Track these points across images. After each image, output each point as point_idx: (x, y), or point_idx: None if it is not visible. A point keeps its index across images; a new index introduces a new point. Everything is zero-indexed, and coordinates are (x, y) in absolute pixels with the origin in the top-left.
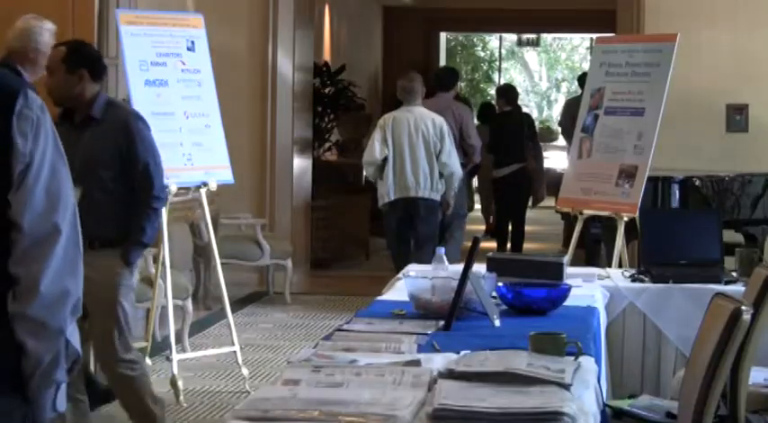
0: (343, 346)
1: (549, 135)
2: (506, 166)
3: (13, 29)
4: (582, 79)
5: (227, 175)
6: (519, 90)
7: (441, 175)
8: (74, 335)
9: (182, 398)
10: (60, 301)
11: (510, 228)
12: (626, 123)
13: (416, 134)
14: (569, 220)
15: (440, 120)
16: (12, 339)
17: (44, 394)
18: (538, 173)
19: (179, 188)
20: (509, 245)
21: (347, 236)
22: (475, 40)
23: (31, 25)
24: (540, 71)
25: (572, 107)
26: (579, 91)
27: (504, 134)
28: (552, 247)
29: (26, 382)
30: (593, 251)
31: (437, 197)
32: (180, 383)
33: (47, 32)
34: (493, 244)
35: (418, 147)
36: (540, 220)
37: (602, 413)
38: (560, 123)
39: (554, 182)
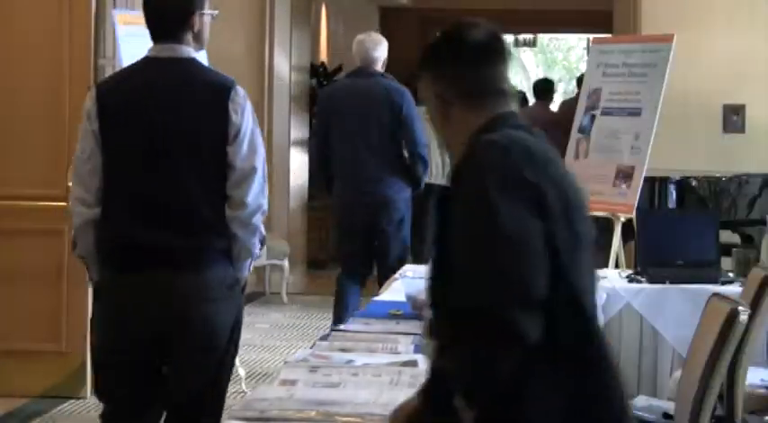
0: (339, 347)
1: None
2: None
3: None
4: (581, 80)
5: None
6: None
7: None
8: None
9: None
10: (257, 209)
11: None
12: (623, 124)
13: None
14: None
15: None
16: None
17: (245, 262)
18: None
19: None
20: None
21: None
22: None
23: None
24: (537, 72)
25: (568, 108)
26: (576, 91)
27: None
28: None
29: (235, 256)
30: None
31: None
32: None
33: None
34: None
35: None
36: None
37: None
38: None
39: None
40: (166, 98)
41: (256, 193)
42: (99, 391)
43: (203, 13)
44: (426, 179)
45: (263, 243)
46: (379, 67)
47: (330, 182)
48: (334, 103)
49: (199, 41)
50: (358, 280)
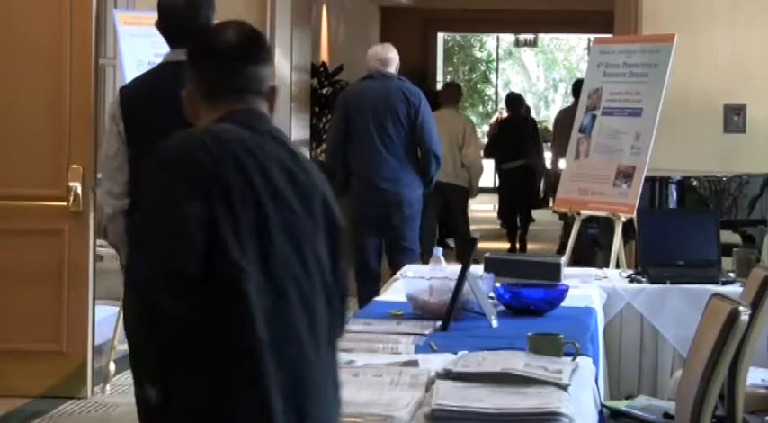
0: (340, 347)
1: (547, 135)
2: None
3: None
4: (576, 87)
5: None
6: (517, 90)
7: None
8: None
9: None
10: None
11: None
12: (623, 124)
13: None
14: (567, 222)
15: None
16: None
17: None
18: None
19: None
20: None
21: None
22: (472, 40)
23: None
24: (538, 72)
25: (563, 118)
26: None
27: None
28: (552, 247)
29: None
30: (591, 252)
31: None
32: None
33: None
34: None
35: None
36: (540, 220)
37: (600, 414)
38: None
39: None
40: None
41: None
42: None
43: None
44: (438, 179)
45: None
46: (393, 69)
47: (347, 178)
48: (352, 104)
49: None
50: (373, 274)
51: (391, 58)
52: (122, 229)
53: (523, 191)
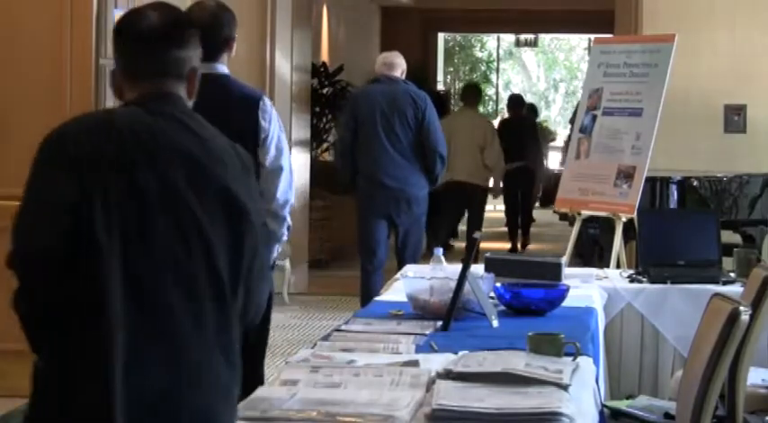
0: (341, 347)
1: (549, 135)
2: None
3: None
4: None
5: None
6: (517, 90)
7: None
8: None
9: None
10: (285, 203)
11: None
12: (624, 124)
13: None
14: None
15: None
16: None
17: (273, 246)
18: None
19: None
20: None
21: (345, 236)
22: (473, 40)
23: None
24: (538, 72)
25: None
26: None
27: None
28: (554, 248)
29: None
30: (591, 252)
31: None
32: None
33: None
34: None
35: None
36: (541, 220)
37: (600, 414)
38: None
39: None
40: (206, 108)
41: (285, 189)
42: None
43: (235, 38)
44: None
45: (289, 229)
46: (399, 73)
47: (354, 177)
48: (362, 105)
49: (228, 60)
50: (377, 269)
51: (397, 62)
52: None
53: (523, 192)
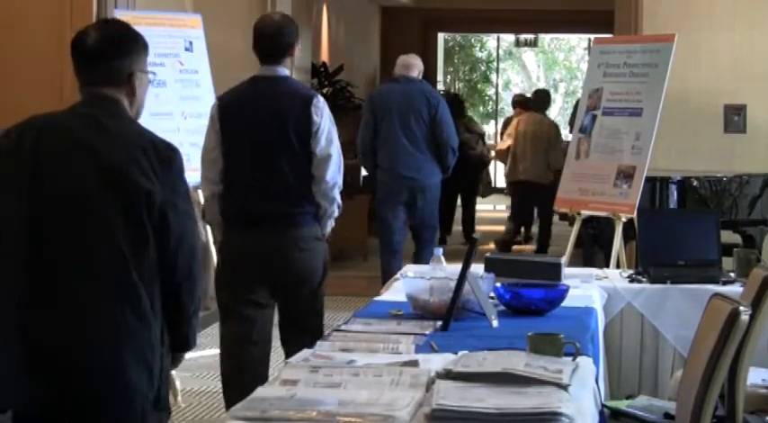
0: (341, 347)
1: None
2: None
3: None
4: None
5: None
6: (517, 90)
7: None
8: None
9: (179, 398)
10: (334, 185)
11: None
12: (624, 124)
13: None
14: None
15: None
16: (314, 199)
17: (327, 221)
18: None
19: None
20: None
21: (345, 237)
22: (473, 40)
23: None
24: (538, 72)
25: None
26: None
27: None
28: (554, 248)
29: (320, 218)
30: (591, 252)
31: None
32: (177, 383)
33: None
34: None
35: None
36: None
37: (600, 414)
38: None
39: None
40: (267, 105)
41: (333, 173)
42: (224, 314)
43: (298, 45)
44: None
45: (339, 208)
46: (416, 73)
47: (375, 169)
48: (379, 104)
49: (292, 64)
50: (398, 252)
51: (414, 64)
52: (217, 210)
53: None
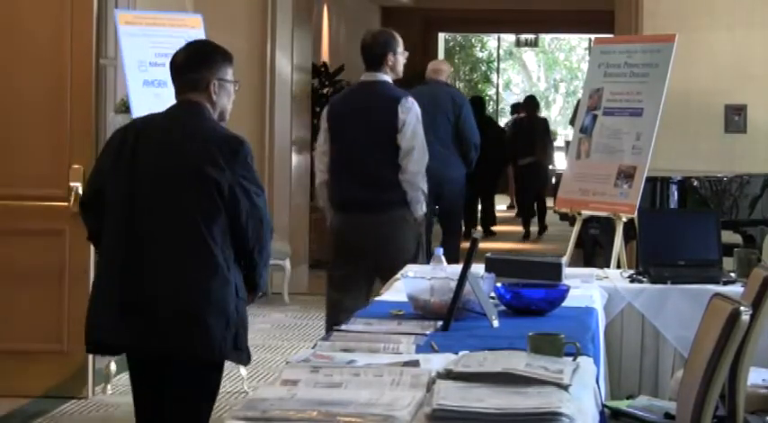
0: (341, 347)
1: (553, 134)
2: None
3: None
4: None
5: None
6: (517, 90)
7: None
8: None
9: None
10: (417, 173)
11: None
12: (624, 124)
13: None
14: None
15: None
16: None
17: (415, 206)
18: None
19: None
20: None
21: None
22: (473, 40)
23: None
24: (539, 72)
25: None
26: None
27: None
28: (555, 248)
29: (409, 202)
30: (592, 252)
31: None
32: None
33: None
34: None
35: None
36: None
37: (601, 414)
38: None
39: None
40: (364, 105)
41: (416, 164)
42: (332, 286)
43: (396, 53)
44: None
45: (425, 194)
46: (443, 77)
47: None
48: None
49: (393, 71)
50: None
51: (443, 68)
52: (326, 196)
53: (536, 184)
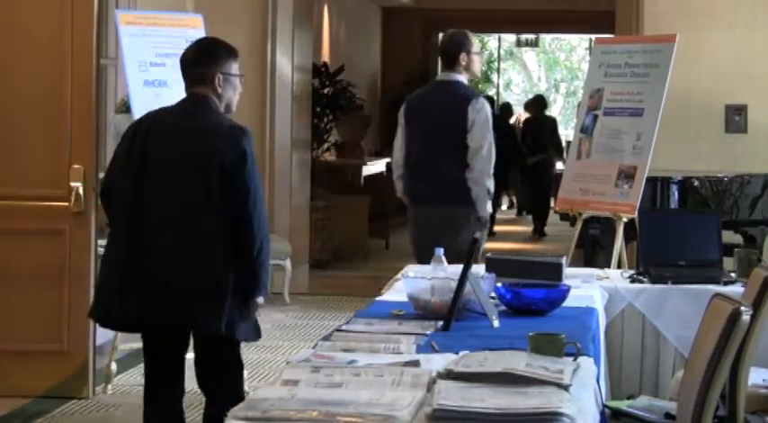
0: (342, 347)
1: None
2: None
3: None
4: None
5: None
6: (518, 90)
7: None
8: None
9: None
10: (482, 172)
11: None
12: (625, 124)
13: None
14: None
15: None
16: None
17: (481, 203)
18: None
19: None
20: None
21: (346, 236)
22: (473, 40)
23: None
24: (539, 72)
25: None
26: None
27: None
28: (555, 248)
29: (474, 199)
30: (592, 252)
31: None
32: None
33: None
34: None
35: None
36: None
37: (601, 414)
38: None
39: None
40: (437, 104)
41: (482, 163)
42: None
43: (470, 52)
44: None
45: (490, 193)
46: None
47: None
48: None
49: (468, 70)
50: None
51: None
52: (402, 188)
53: (543, 181)
